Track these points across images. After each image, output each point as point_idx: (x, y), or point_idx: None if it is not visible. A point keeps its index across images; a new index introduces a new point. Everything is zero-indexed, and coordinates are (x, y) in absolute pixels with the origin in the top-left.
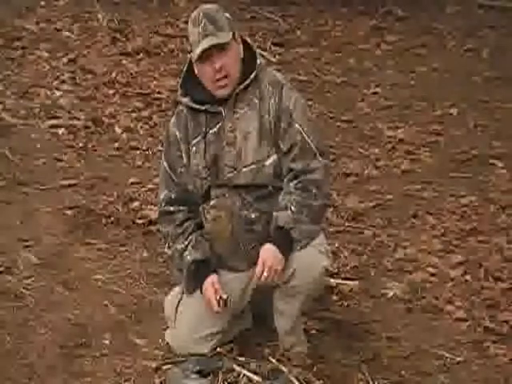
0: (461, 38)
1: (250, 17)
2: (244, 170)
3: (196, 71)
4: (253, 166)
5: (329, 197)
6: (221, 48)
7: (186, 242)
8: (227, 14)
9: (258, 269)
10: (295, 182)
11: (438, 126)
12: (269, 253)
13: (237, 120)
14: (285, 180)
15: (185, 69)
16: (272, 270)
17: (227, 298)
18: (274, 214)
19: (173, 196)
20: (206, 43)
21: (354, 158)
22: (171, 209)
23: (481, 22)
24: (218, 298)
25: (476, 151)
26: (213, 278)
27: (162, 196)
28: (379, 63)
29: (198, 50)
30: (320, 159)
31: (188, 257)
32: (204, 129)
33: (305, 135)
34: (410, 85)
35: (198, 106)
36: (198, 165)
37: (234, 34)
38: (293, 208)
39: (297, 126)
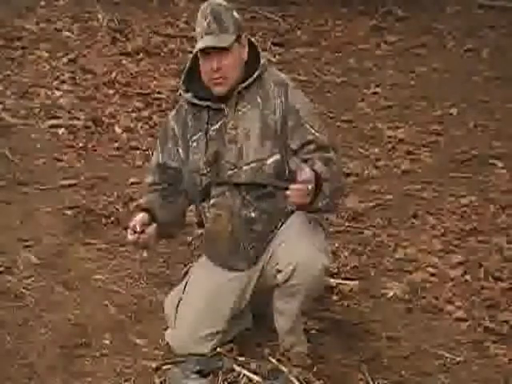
0: (461, 38)
1: (250, 17)
2: (245, 167)
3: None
4: (253, 165)
5: (343, 183)
6: (220, 51)
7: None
8: (236, 14)
9: (300, 183)
10: (317, 157)
11: (438, 126)
12: (311, 179)
13: (239, 118)
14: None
15: (188, 65)
16: (304, 194)
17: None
18: (303, 165)
19: (158, 180)
20: (205, 42)
21: (354, 157)
22: (158, 188)
23: (481, 22)
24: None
25: (476, 151)
26: (143, 215)
27: (148, 180)
28: (379, 63)
29: (198, 46)
30: (333, 153)
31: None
32: (205, 125)
33: (317, 133)
34: (410, 85)
35: (200, 102)
36: (198, 161)
37: (238, 37)
38: (325, 167)
39: (307, 126)
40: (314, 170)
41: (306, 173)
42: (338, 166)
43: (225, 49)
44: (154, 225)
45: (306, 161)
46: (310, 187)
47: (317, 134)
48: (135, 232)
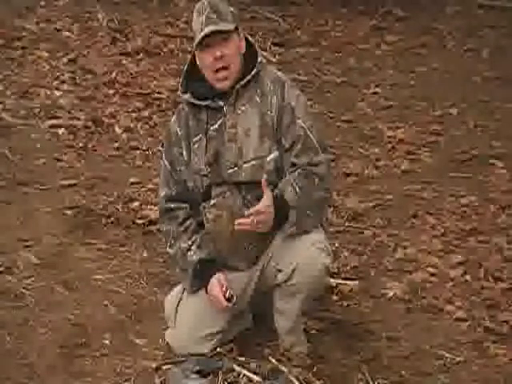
0: (461, 38)
1: (250, 17)
2: (245, 166)
3: (197, 61)
4: (253, 163)
5: (330, 192)
6: (222, 36)
7: (190, 242)
8: (232, 8)
9: (252, 211)
10: (300, 170)
11: (438, 126)
12: (268, 211)
13: (238, 116)
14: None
15: (186, 67)
16: (258, 223)
17: (233, 294)
18: (280, 185)
19: (173, 194)
20: (207, 30)
21: (354, 157)
22: (172, 206)
23: (481, 22)
24: (225, 294)
25: (476, 151)
26: (219, 276)
27: (162, 194)
28: (379, 63)
29: (199, 36)
30: (323, 155)
31: (193, 256)
32: (205, 126)
33: (307, 131)
34: (409, 85)
35: (199, 102)
36: (199, 162)
37: (236, 28)
38: (297, 190)
39: (299, 121)
40: (277, 197)
41: (261, 205)
42: (325, 170)
43: (226, 36)
44: (219, 274)
45: (293, 164)
46: (257, 220)
47: (307, 133)
48: (229, 295)
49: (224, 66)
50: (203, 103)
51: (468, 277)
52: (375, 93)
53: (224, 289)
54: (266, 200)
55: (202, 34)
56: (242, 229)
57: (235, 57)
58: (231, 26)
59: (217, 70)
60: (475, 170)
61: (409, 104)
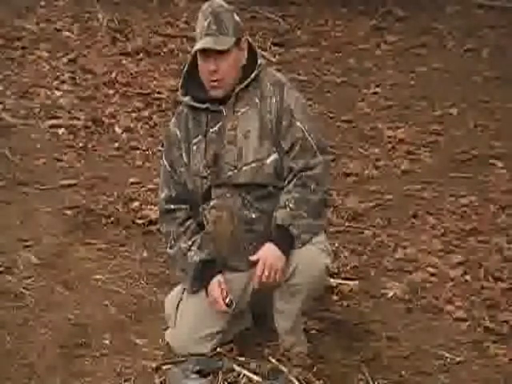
0: (461, 38)
1: (250, 17)
2: (244, 168)
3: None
4: (253, 165)
5: (329, 192)
6: (218, 52)
7: (190, 242)
8: (237, 17)
9: (259, 268)
10: (294, 180)
11: (438, 126)
12: (268, 251)
13: (237, 119)
14: (286, 180)
15: (185, 69)
16: (273, 268)
17: (233, 299)
18: (274, 213)
19: (173, 195)
20: (204, 43)
21: (354, 157)
22: (172, 207)
23: (481, 22)
24: (225, 299)
25: (476, 151)
26: (219, 278)
27: (162, 195)
28: (379, 63)
29: (196, 46)
30: (320, 157)
31: (194, 257)
32: (205, 128)
33: (306, 133)
34: (409, 85)
35: (198, 105)
36: (198, 164)
37: (238, 40)
38: (291, 205)
39: (298, 123)
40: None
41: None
42: (321, 171)
43: (223, 51)
44: (219, 276)
45: (290, 169)
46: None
47: (306, 135)
48: (228, 299)
49: (218, 79)
50: (203, 106)
51: (468, 277)
52: (375, 93)
53: (224, 294)
54: (262, 252)
55: (198, 46)
56: (265, 282)
57: (231, 71)
58: (230, 42)
59: (211, 80)
60: (475, 169)
61: (409, 104)
